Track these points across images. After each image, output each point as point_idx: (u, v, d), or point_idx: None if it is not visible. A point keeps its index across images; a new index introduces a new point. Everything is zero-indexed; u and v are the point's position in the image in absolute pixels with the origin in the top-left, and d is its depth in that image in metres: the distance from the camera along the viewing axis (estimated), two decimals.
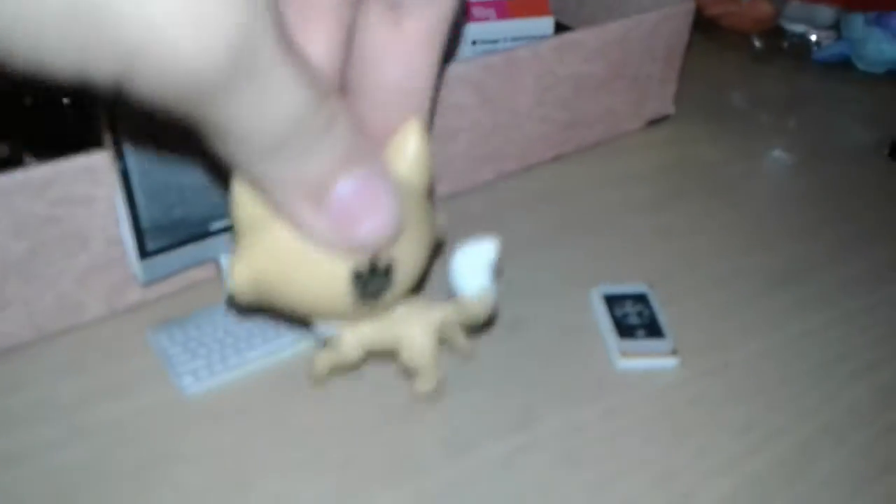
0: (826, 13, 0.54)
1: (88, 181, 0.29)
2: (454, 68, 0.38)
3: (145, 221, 0.30)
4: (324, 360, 0.28)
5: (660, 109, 0.49)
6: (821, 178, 0.45)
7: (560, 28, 0.50)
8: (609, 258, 0.38)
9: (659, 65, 0.47)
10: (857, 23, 0.53)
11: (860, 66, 0.54)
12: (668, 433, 0.29)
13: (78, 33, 0.16)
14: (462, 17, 0.46)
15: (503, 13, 0.48)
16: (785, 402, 0.31)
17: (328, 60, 0.24)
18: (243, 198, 0.23)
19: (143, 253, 0.30)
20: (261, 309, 0.26)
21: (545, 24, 0.49)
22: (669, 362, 0.32)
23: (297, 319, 0.27)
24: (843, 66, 0.56)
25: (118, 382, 0.30)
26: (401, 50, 0.24)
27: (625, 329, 0.33)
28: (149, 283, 0.32)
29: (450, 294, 0.27)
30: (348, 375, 0.30)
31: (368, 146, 0.23)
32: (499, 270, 0.27)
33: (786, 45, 0.56)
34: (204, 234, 0.32)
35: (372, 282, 0.25)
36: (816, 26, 0.56)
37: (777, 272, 0.38)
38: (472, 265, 0.26)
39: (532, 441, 0.29)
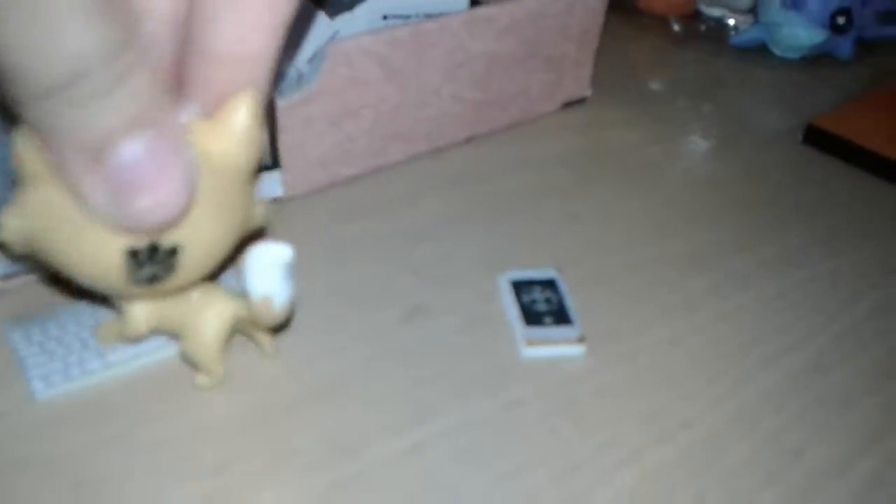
0: None
1: None
2: (357, 41, 0.36)
3: None
4: (108, 329, 0.27)
5: (576, 92, 0.48)
6: (734, 163, 0.45)
7: (476, 5, 0.49)
8: (519, 244, 0.36)
9: (574, 44, 0.45)
10: (774, 6, 0.52)
11: (776, 51, 0.54)
12: (572, 425, 0.28)
13: None
14: None
15: None
16: (694, 391, 0.30)
17: (163, 15, 0.22)
18: (21, 145, 0.21)
19: None
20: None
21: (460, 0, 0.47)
22: (576, 350, 0.31)
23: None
24: (760, 51, 0.56)
25: None
26: (238, 8, 0.22)
27: (532, 316, 0.31)
28: (8, 273, 0.29)
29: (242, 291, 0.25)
30: (222, 377, 0.27)
31: (167, 112, 0.21)
32: (304, 274, 0.25)
33: (703, 28, 0.55)
34: None
35: (150, 264, 0.23)
36: (733, 10, 0.55)
37: (689, 258, 0.37)
38: (262, 268, 0.24)
39: (429, 437, 0.27)
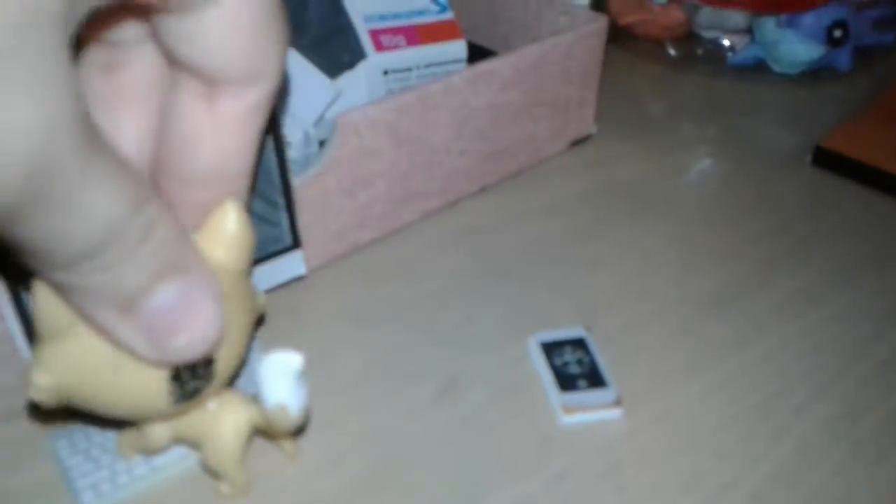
0: (737, 17, 0.54)
1: None
2: (364, 111, 0.36)
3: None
4: (127, 442, 0.27)
5: (582, 130, 0.48)
6: (744, 190, 0.45)
7: (473, 49, 0.49)
8: (544, 298, 0.36)
9: (576, 86, 0.46)
10: (769, 26, 0.53)
11: (775, 68, 0.54)
12: (617, 497, 0.28)
13: None
14: (283, 94, 0.44)
15: (413, 39, 0.46)
16: (731, 448, 0.30)
17: (140, 149, 0.23)
18: (45, 302, 0.21)
19: None
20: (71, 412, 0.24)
21: (458, 47, 0.47)
22: (614, 413, 0.31)
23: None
24: (758, 69, 0.56)
25: (7, 497, 0.27)
26: (215, 132, 0.22)
27: (566, 380, 0.31)
28: None
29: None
30: (245, 485, 0.27)
31: (191, 250, 0.22)
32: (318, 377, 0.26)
33: (700, 51, 0.55)
34: None
35: (191, 381, 0.23)
36: (729, 31, 0.55)
37: (710, 298, 0.37)
38: (275, 377, 0.24)
39: None
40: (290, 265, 0.36)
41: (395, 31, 0.46)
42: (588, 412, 0.30)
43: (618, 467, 0.29)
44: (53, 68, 0.16)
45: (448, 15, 0.47)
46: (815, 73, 0.55)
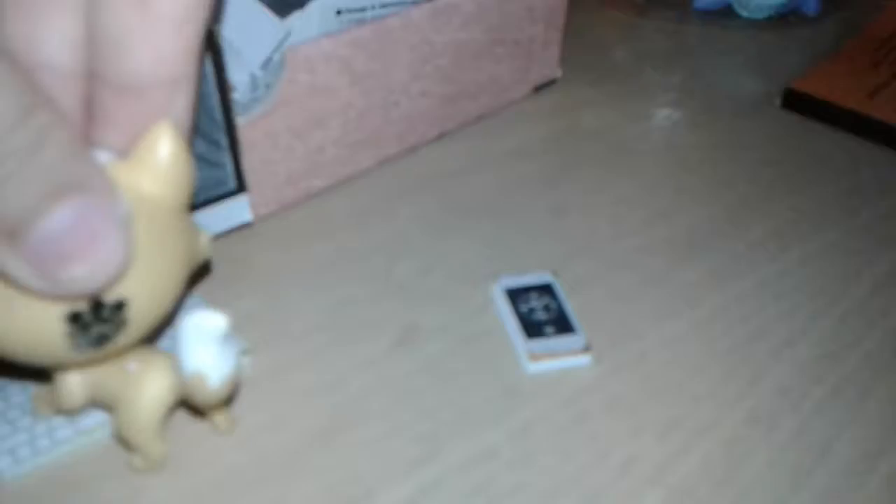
0: None
1: None
2: (317, 45, 0.33)
3: None
4: (43, 399, 0.24)
5: (546, 74, 0.46)
6: (714, 135, 0.43)
7: None
8: (507, 247, 0.35)
9: (541, 26, 0.43)
10: None
11: (742, 12, 0.53)
12: (589, 446, 0.26)
13: None
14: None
15: None
16: (707, 393, 0.28)
17: (67, 54, 0.20)
18: None
19: None
20: None
21: None
22: (583, 360, 0.29)
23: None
24: (725, 13, 0.54)
25: None
26: (148, 31, 0.20)
27: (532, 327, 0.30)
28: None
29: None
30: (161, 459, 0.24)
31: (90, 167, 0.19)
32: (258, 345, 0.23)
33: None
34: None
35: (96, 325, 0.20)
36: None
37: (681, 244, 0.35)
38: (194, 341, 0.21)
39: (437, 478, 0.25)
40: (236, 211, 0.33)
41: None
42: (555, 359, 0.29)
43: (588, 415, 0.27)
44: None
45: None
46: (782, 18, 0.53)
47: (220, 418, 0.25)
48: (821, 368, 0.29)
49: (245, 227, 0.34)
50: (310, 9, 0.42)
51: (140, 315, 0.21)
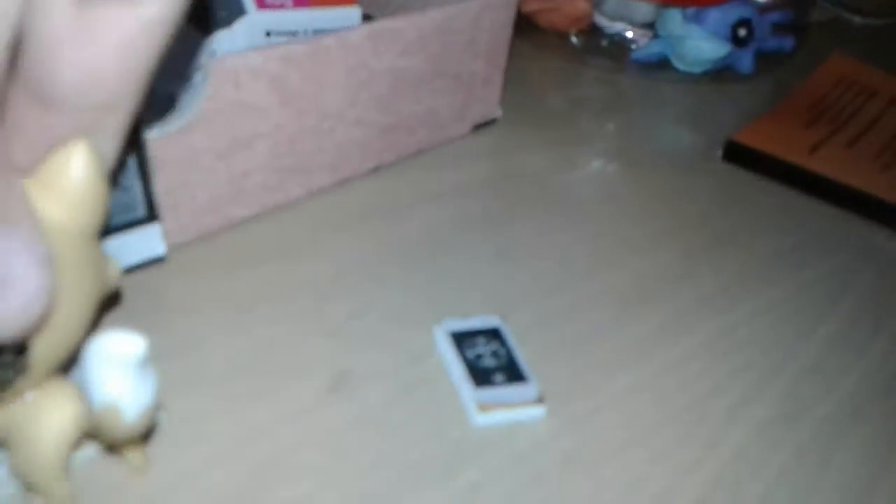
0: (644, 9, 0.52)
1: None
2: (245, 59, 0.30)
3: None
4: None
5: (486, 113, 0.44)
6: (655, 185, 0.42)
7: (368, 20, 0.44)
8: (449, 288, 0.32)
9: (482, 62, 0.42)
10: (675, 20, 0.51)
11: (679, 65, 0.52)
12: None
13: None
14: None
15: (301, 1, 0.41)
16: (666, 454, 0.26)
17: None
18: None
19: None
20: None
21: (351, 14, 0.42)
22: (536, 411, 0.26)
23: None
24: (661, 66, 0.54)
25: None
26: (87, 42, 0.17)
27: (480, 374, 0.27)
28: None
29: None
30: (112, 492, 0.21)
31: (14, 198, 0.16)
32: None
33: (605, 43, 0.53)
34: None
35: None
36: (633, 24, 0.53)
37: (628, 294, 0.33)
38: (105, 367, 0.18)
39: None
40: (147, 241, 0.29)
41: None
42: (506, 409, 0.26)
43: (543, 475, 0.24)
44: None
45: None
46: (717, 74, 0.54)
47: (133, 455, 0.22)
48: (778, 432, 0.28)
49: (156, 261, 0.30)
50: (236, 27, 0.39)
51: (43, 358, 0.18)
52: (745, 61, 0.53)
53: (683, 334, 0.31)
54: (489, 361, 0.27)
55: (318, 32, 0.41)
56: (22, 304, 0.16)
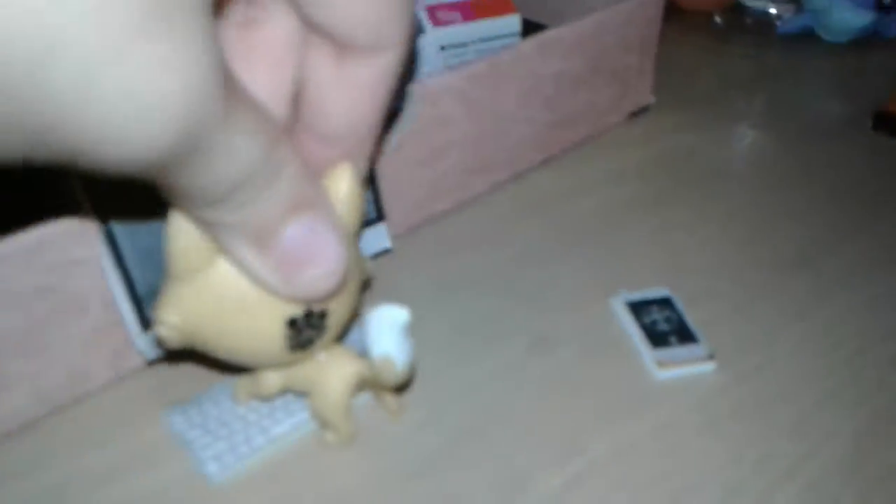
0: None
1: (77, 244, 0.27)
2: (440, 80, 0.36)
3: (141, 288, 0.27)
4: (242, 389, 0.28)
5: (640, 100, 0.48)
6: (806, 156, 0.45)
7: (527, 24, 0.49)
8: (620, 263, 0.37)
9: (635, 55, 0.46)
10: None
11: (825, 36, 0.54)
12: (723, 444, 0.28)
13: (22, 138, 0.15)
14: (410, 65, 0.44)
15: (468, 15, 0.47)
16: (830, 398, 0.30)
17: (274, 101, 0.23)
18: (181, 231, 0.22)
19: (146, 324, 0.28)
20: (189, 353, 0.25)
21: (512, 22, 0.47)
22: (707, 367, 0.31)
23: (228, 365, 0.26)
24: (808, 38, 0.56)
25: (137, 457, 0.28)
26: (344, 93, 0.23)
27: (656, 337, 0.32)
28: (157, 359, 0.30)
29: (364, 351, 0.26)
30: (351, 434, 0.28)
31: (318, 191, 0.23)
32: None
33: (749, 21, 0.55)
34: None
35: (306, 330, 0.24)
36: (776, 0, 0.55)
37: (788, 259, 0.37)
38: (382, 329, 0.25)
39: (585, 468, 0.27)
40: (376, 238, 0.36)
41: (450, 7, 0.46)
42: (682, 367, 0.31)
43: (720, 418, 0.29)
44: (202, 28, 0.16)
45: None
46: (863, 42, 0.55)
47: (392, 402, 0.29)
48: None
49: (385, 252, 0.37)
50: (416, 45, 0.45)
51: (336, 322, 0.25)
52: (892, 26, 0.54)
53: (843, 294, 0.35)
54: (663, 326, 0.32)
55: (484, 41, 0.47)
56: (331, 271, 0.23)
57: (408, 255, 0.37)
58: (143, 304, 0.27)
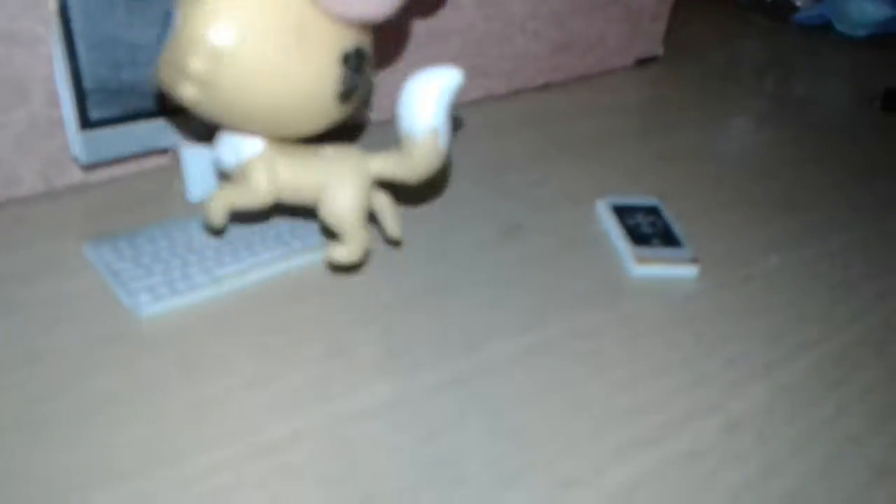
0: None
1: (32, 17, 0.24)
2: None
3: (88, 79, 0.25)
4: (226, 196, 0.24)
5: (649, 48, 0.46)
6: (810, 125, 0.43)
7: None
8: (612, 177, 0.35)
9: None
10: None
11: (841, 28, 0.53)
12: (694, 341, 0.26)
13: None
14: None
15: None
16: (814, 315, 0.28)
17: None
18: None
19: (85, 122, 0.25)
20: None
21: None
22: (689, 270, 0.29)
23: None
24: (823, 28, 0.54)
25: (52, 268, 0.25)
26: None
27: (639, 237, 0.30)
28: (91, 164, 0.27)
29: (394, 137, 0.23)
30: (367, 243, 0.25)
31: None
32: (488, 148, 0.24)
33: (769, 1, 0.54)
34: (157, 112, 0.27)
35: (353, 76, 0.23)
36: None
37: (783, 199, 0.35)
38: (425, 97, 0.22)
39: (544, 341, 0.25)
40: None
41: None
42: (662, 265, 0.28)
43: (694, 318, 0.27)
44: None
45: None
46: (878, 38, 0.54)
47: (394, 227, 0.27)
48: None
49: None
50: None
51: (368, 77, 0.24)
52: None
53: (836, 233, 0.33)
54: (647, 229, 0.30)
55: None
56: None
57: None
58: (87, 98, 0.25)
